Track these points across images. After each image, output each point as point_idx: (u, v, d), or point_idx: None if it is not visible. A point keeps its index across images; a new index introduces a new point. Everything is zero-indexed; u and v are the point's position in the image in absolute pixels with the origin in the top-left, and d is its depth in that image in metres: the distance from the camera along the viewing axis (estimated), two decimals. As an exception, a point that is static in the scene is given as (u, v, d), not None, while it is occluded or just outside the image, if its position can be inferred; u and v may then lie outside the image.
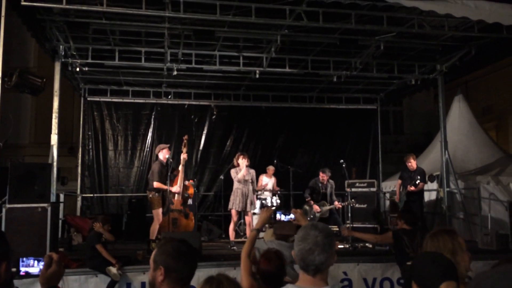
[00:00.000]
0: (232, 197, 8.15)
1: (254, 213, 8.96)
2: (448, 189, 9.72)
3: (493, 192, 9.50)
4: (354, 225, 9.66)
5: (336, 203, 9.06)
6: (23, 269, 2.19)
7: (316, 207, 9.03)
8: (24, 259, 2.20)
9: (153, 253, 2.14)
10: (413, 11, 7.26)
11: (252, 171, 8.41)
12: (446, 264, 1.99)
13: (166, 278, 2.03)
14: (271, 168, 10.31)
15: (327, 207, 9.03)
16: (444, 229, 2.54)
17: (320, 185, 9.29)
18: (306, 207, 9.18)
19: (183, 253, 2.10)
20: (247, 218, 8.28)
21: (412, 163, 9.00)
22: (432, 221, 10.16)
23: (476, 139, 11.17)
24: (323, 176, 9.27)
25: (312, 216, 9.03)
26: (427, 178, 8.97)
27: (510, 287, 0.91)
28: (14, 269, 2.27)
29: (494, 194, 9.44)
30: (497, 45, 8.65)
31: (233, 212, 8.14)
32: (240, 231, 9.58)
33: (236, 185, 8.17)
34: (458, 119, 11.50)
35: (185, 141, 8.04)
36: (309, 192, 9.27)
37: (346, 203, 8.91)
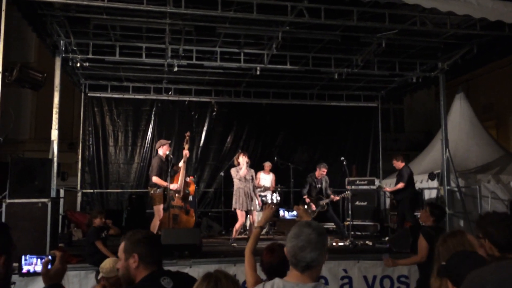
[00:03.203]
0: (235, 197, 8.13)
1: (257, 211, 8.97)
2: (448, 187, 9.71)
3: (494, 190, 9.51)
4: (354, 223, 9.70)
5: (332, 196, 9.11)
6: (25, 268, 2.19)
7: (312, 206, 9.06)
8: (27, 257, 2.21)
9: (121, 246, 2.34)
10: (415, 8, 7.23)
11: (252, 170, 8.40)
12: (480, 262, 2.01)
13: (140, 263, 2.26)
14: (267, 164, 10.30)
15: (325, 201, 9.07)
16: (452, 232, 2.53)
17: (315, 180, 9.32)
18: (305, 206, 9.18)
19: (153, 239, 2.42)
20: (251, 218, 8.28)
21: (395, 164, 9.16)
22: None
23: (477, 138, 11.15)
24: (324, 171, 9.27)
25: (310, 212, 9.03)
26: (406, 178, 8.94)
27: (500, 281, 0.92)
28: (16, 264, 2.26)
29: (494, 193, 9.45)
30: (499, 43, 8.62)
31: (239, 212, 8.11)
32: (241, 229, 9.59)
33: (237, 184, 8.15)
34: (459, 117, 11.48)
35: (187, 137, 8.03)
36: (307, 190, 9.29)
37: (343, 195, 8.96)
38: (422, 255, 4.52)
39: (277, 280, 2.17)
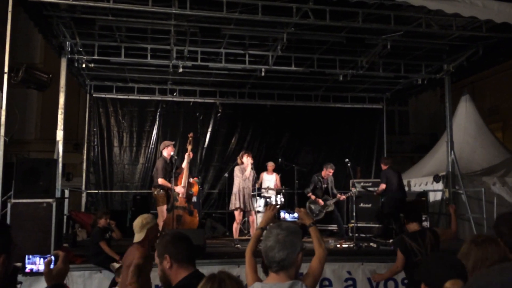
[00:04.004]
0: (234, 196, 8.10)
1: (259, 211, 8.95)
2: (453, 189, 9.68)
3: (499, 193, 9.45)
4: (359, 225, 9.67)
5: (338, 195, 9.11)
6: (28, 267, 2.21)
7: (319, 201, 9.07)
8: (30, 256, 2.23)
9: (156, 252, 2.43)
10: (421, 10, 7.22)
11: (253, 171, 8.38)
12: (453, 263, 1.99)
13: (173, 263, 2.33)
14: (270, 164, 10.26)
15: (332, 201, 9.08)
16: (491, 238, 2.42)
17: (321, 179, 9.31)
18: (312, 206, 9.18)
19: (180, 238, 2.47)
20: (251, 217, 8.26)
21: (382, 167, 9.43)
22: (437, 222, 10.12)
23: (482, 140, 11.10)
24: (331, 171, 9.29)
25: (317, 213, 9.04)
26: (384, 179, 9.16)
27: (504, 282, 0.91)
28: (19, 264, 2.28)
29: (500, 195, 9.39)
30: (505, 45, 8.59)
31: (237, 212, 8.10)
32: (244, 229, 9.58)
33: (239, 184, 8.13)
34: (464, 119, 11.43)
35: (190, 138, 8.02)
36: (312, 188, 9.28)
37: (350, 193, 8.96)
38: (397, 265, 4.64)
39: (256, 284, 2.21)
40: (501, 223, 2.57)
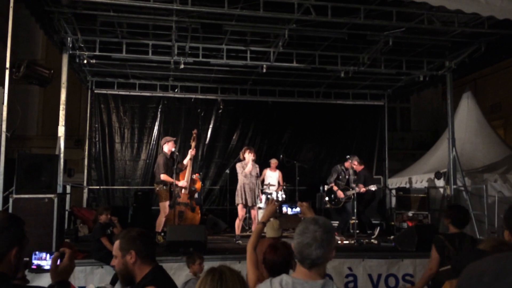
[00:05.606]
0: (238, 192, 8.12)
1: (260, 208, 8.95)
2: (455, 186, 9.67)
3: (501, 190, 9.44)
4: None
5: (357, 188, 9.06)
6: (35, 262, 2.24)
7: (340, 193, 9.01)
8: (37, 252, 2.27)
9: (117, 244, 2.45)
10: (423, 6, 7.17)
11: (257, 166, 8.38)
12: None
13: (137, 259, 2.37)
14: (273, 161, 10.25)
15: (352, 192, 9.06)
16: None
17: (345, 170, 9.27)
18: (332, 195, 9.21)
19: (147, 235, 2.53)
20: (253, 212, 8.27)
21: (356, 167, 9.44)
22: (438, 219, 10.12)
23: (484, 137, 11.08)
24: (355, 164, 9.27)
25: (336, 200, 9.04)
26: (362, 180, 9.23)
27: (497, 271, 0.91)
28: (27, 259, 2.32)
29: (501, 192, 9.39)
30: (507, 42, 8.56)
31: (240, 207, 8.12)
32: (245, 225, 9.59)
33: (242, 179, 8.14)
34: (466, 116, 11.42)
35: (194, 135, 8.03)
36: (334, 178, 9.20)
37: (369, 187, 8.93)
38: (431, 267, 4.16)
39: (285, 277, 2.14)
40: (510, 215, 2.59)
